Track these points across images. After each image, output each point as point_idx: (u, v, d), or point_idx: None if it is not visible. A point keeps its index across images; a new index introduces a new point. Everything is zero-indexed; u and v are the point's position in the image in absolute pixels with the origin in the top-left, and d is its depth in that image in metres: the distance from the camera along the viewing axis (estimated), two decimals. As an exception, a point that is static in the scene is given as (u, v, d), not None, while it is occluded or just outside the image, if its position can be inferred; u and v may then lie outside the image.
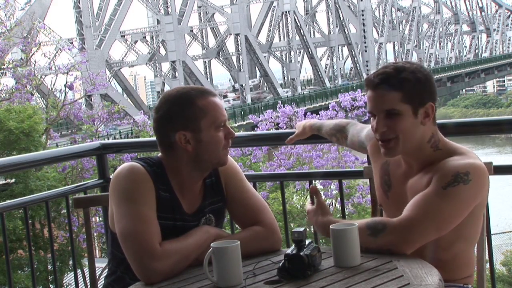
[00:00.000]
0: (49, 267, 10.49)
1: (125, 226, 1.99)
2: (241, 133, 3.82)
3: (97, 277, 2.78)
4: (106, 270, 2.30)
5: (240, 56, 50.95)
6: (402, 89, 1.97)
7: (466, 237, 2.06)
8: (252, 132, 4.69)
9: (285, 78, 60.69)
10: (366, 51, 63.34)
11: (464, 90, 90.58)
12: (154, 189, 2.05)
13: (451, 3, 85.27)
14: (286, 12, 55.95)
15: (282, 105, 14.83)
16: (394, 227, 1.93)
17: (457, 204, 1.93)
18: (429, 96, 2.02)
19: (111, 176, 3.01)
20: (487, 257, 2.36)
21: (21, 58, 16.04)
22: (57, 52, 24.25)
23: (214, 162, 2.13)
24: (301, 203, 12.49)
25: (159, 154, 2.17)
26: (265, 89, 58.50)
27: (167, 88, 52.45)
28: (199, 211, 2.15)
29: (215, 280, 1.85)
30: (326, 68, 65.11)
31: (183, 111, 2.07)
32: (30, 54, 15.19)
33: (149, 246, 1.95)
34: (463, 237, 2.04)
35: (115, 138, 23.81)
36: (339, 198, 10.83)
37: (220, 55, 58.18)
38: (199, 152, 2.09)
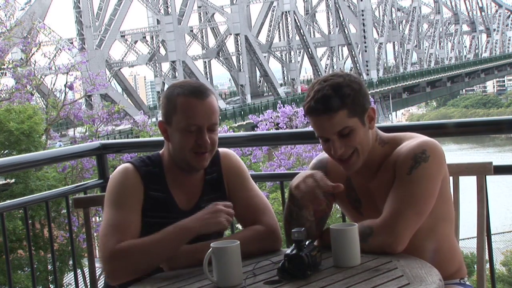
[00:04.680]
0: (49, 267, 10.49)
1: (100, 230, 2.05)
2: (241, 133, 3.81)
3: (97, 277, 2.78)
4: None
5: (240, 56, 50.88)
6: (346, 106, 1.99)
7: (442, 217, 2.09)
8: (252, 132, 4.68)
9: (285, 78, 60.63)
10: (366, 51, 63.24)
11: (464, 90, 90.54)
12: (142, 191, 2.09)
13: (451, 3, 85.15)
14: (286, 12, 55.86)
15: (282, 105, 14.83)
16: (380, 227, 1.96)
17: (426, 183, 1.97)
18: (368, 101, 2.06)
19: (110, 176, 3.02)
20: (487, 257, 2.36)
21: (21, 58, 16.00)
22: (57, 52, 24.11)
23: (183, 162, 2.13)
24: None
25: (161, 151, 2.20)
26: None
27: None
28: (197, 207, 2.14)
29: (215, 280, 1.85)
30: (326, 68, 65.04)
31: (165, 103, 2.13)
32: (30, 54, 15.15)
33: (108, 248, 1.98)
34: (440, 218, 2.08)
35: (115, 138, 23.80)
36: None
37: (220, 55, 58.10)
38: (171, 146, 2.14)
